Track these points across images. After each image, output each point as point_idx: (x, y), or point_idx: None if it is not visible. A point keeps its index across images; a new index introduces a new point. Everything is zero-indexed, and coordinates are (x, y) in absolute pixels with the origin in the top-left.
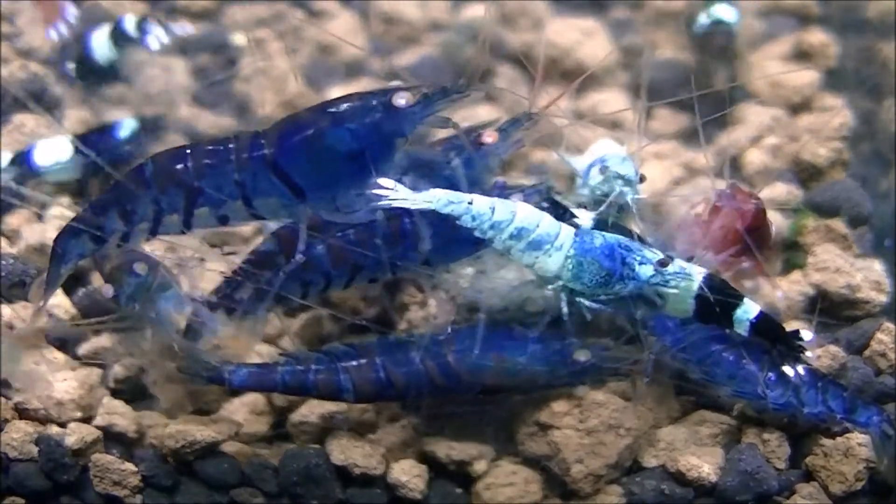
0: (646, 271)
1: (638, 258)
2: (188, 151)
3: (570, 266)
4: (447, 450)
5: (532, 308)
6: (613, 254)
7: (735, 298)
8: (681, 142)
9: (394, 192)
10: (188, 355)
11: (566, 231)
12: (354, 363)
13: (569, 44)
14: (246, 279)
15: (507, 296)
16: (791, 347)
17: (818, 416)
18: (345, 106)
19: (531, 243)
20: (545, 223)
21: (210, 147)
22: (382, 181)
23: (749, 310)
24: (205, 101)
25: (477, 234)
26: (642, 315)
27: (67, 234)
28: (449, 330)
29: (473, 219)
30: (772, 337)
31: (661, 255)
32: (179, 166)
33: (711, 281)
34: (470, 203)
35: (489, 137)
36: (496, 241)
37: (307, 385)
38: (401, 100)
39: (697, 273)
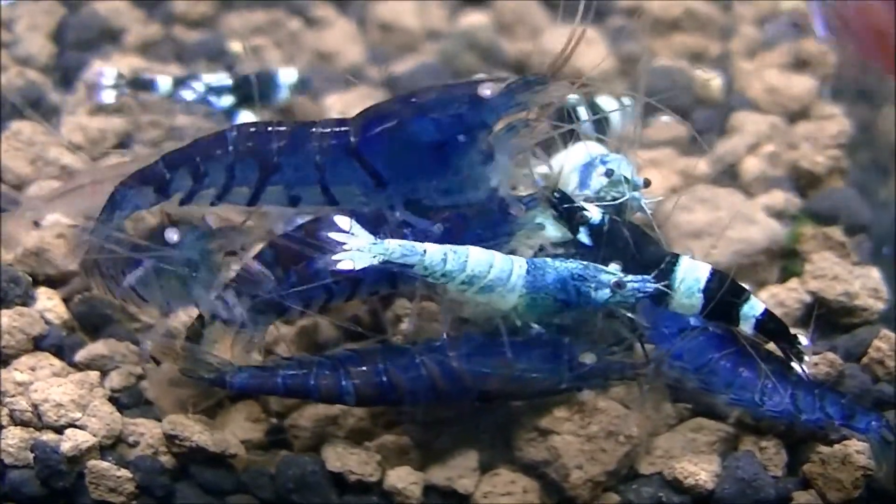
0: (602, 295)
1: (593, 285)
2: (273, 128)
3: (524, 303)
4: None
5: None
6: (566, 286)
7: (741, 294)
8: (677, 149)
9: (348, 237)
10: (190, 356)
11: (518, 270)
12: (356, 366)
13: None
14: (241, 290)
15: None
16: (793, 347)
17: (816, 423)
18: (430, 96)
19: (483, 288)
20: (497, 266)
21: (295, 127)
22: (339, 220)
23: (755, 306)
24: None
25: (429, 279)
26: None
27: (130, 181)
28: (445, 336)
29: (426, 269)
30: (776, 335)
31: (617, 276)
32: (263, 139)
33: (716, 277)
34: (423, 253)
35: (486, 90)
36: (449, 286)
37: (309, 388)
38: (486, 91)
39: (703, 269)
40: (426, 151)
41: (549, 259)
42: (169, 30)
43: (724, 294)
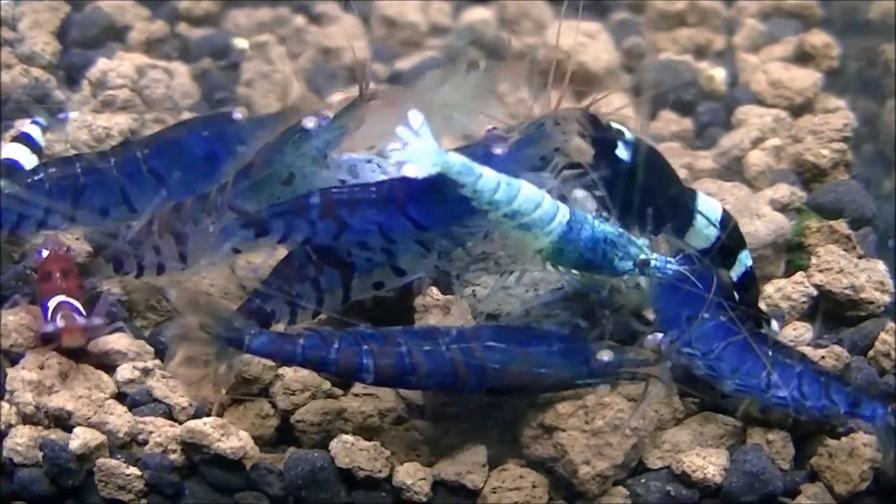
0: (624, 266)
1: (619, 254)
2: (77, 162)
3: (550, 249)
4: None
5: (552, 316)
6: (596, 248)
7: (741, 240)
8: (683, 143)
9: (414, 137)
10: (212, 312)
11: (560, 217)
12: (379, 344)
13: (571, 46)
14: (277, 289)
15: (528, 302)
16: (756, 310)
17: (821, 410)
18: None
19: (522, 225)
20: (543, 208)
21: (96, 156)
22: (413, 116)
23: (749, 257)
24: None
25: (473, 204)
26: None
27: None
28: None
29: (475, 192)
30: (750, 291)
31: (644, 254)
32: (70, 172)
33: (727, 218)
34: (479, 176)
35: (498, 149)
36: (490, 214)
37: (327, 361)
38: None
39: (717, 204)
40: (196, 161)
41: (590, 216)
42: (173, 27)
43: (729, 235)
